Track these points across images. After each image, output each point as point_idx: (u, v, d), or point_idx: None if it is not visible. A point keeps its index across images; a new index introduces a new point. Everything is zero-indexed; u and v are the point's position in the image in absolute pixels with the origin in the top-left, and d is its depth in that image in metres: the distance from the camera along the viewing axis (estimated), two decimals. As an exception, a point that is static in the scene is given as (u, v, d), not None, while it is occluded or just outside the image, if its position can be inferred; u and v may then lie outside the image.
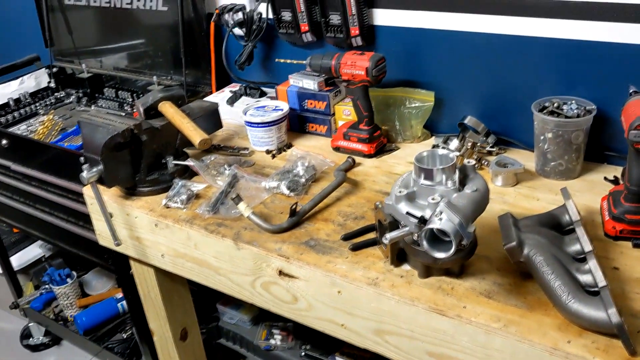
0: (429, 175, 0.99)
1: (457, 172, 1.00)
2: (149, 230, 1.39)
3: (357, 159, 1.49)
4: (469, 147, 1.40)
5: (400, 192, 1.00)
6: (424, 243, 0.93)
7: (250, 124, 1.55)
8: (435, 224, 0.91)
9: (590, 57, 1.30)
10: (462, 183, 1.01)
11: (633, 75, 1.23)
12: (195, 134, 1.30)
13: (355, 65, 1.41)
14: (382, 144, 1.53)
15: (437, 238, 0.93)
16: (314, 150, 1.55)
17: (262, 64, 1.81)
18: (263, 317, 1.85)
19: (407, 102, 1.54)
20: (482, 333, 0.96)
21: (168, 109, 1.38)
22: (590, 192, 1.25)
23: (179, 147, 1.47)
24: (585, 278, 0.94)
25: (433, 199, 0.97)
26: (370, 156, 1.50)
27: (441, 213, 0.92)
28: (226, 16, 1.71)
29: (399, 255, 1.10)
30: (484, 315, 0.97)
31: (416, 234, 0.97)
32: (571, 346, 0.89)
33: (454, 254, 0.91)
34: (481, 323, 0.96)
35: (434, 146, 1.46)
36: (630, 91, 1.12)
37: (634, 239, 1.08)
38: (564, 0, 1.28)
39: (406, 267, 1.10)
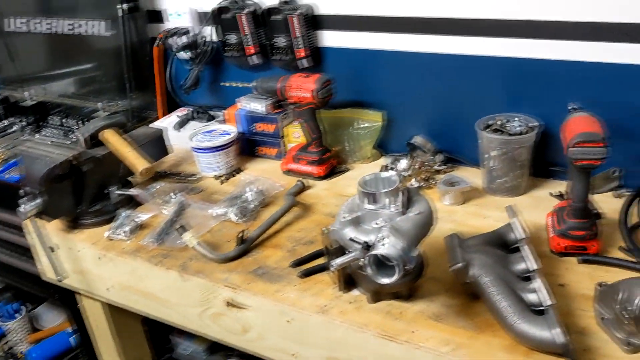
0: (372, 199, 0.98)
1: (401, 194, 0.99)
2: (93, 263, 1.34)
3: (308, 181, 1.47)
4: (417, 167, 1.40)
5: (345, 217, 0.99)
6: (369, 269, 0.91)
7: (197, 149, 1.53)
8: (379, 250, 0.89)
9: (533, 75, 1.31)
10: (407, 205, 1.00)
11: (574, 91, 1.25)
12: (137, 163, 1.26)
13: (302, 87, 1.40)
14: (332, 165, 1.51)
15: (383, 263, 0.92)
16: (265, 174, 1.53)
17: (210, 88, 1.79)
18: (218, 347, 1.80)
19: (356, 123, 1.53)
20: (431, 358, 0.94)
21: (110, 137, 1.34)
22: (536, 208, 1.25)
23: (123, 176, 1.43)
24: (531, 297, 0.94)
25: (377, 223, 0.95)
26: (321, 178, 1.48)
27: (384, 238, 0.90)
28: (171, 40, 1.68)
29: (348, 280, 1.08)
30: (433, 339, 0.95)
31: (362, 260, 0.95)
32: (519, 368, 0.88)
33: (400, 278, 0.90)
34: (430, 347, 0.94)
35: (383, 166, 1.46)
36: (570, 108, 1.14)
37: (579, 255, 1.09)
38: (506, 20, 1.29)
39: (356, 292, 1.08)
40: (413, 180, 1.38)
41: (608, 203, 1.25)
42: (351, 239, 0.96)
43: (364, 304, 1.05)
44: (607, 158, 0.99)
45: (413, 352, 0.96)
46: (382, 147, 1.57)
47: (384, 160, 1.53)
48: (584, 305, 0.99)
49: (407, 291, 1.04)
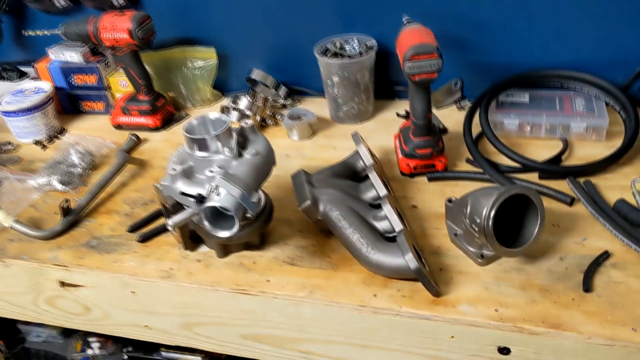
0: (202, 145, 0.87)
1: (235, 136, 0.89)
2: None
3: (144, 134, 1.33)
4: (260, 104, 1.30)
5: (174, 169, 0.87)
6: (206, 223, 0.82)
7: (7, 113, 1.31)
8: (214, 201, 0.80)
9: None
10: (244, 146, 0.91)
11: (406, 4, 1.19)
12: None
13: (116, 27, 1.23)
14: (169, 113, 1.37)
15: (222, 214, 0.83)
16: (93, 132, 1.36)
17: (15, 40, 1.54)
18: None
19: (189, 63, 1.39)
20: (290, 305, 0.88)
21: None
22: (384, 132, 1.21)
23: None
24: (383, 225, 0.90)
25: (211, 171, 0.85)
26: (157, 129, 1.34)
27: (218, 187, 0.80)
28: (-45, -12, 1.41)
29: (193, 237, 0.98)
30: (289, 286, 0.89)
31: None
32: (378, 299, 0.84)
33: (242, 228, 0.81)
34: (287, 295, 0.88)
35: (223, 108, 1.34)
36: (404, 20, 1.08)
37: (427, 174, 1.06)
38: None
39: (204, 248, 0.98)
40: (248, 119, 1.27)
41: (452, 117, 1.24)
42: (182, 193, 0.85)
43: (214, 260, 0.96)
44: (442, 70, 0.95)
45: (271, 302, 0.89)
46: (223, 86, 1.45)
47: (225, 101, 1.41)
48: (437, 224, 0.96)
49: (258, 239, 0.96)
